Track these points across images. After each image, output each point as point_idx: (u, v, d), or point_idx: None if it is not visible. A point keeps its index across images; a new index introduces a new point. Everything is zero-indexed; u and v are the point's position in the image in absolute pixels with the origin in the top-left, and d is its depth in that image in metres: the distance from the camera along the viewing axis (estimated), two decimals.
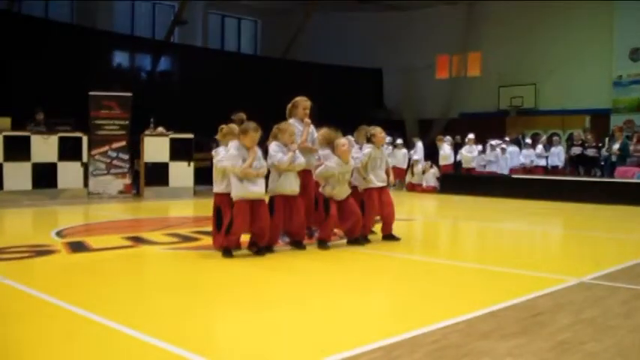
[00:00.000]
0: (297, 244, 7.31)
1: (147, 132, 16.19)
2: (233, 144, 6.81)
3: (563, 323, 4.24)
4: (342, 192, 7.52)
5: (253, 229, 6.78)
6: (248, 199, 6.67)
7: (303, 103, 7.76)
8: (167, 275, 6.24)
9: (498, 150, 19.50)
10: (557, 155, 20.42)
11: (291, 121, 7.61)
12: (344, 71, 27.01)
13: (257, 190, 6.72)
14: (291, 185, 7.14)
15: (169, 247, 7.60)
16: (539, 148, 20.64)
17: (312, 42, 27.66)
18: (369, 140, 8.21)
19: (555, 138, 21.51)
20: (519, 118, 25.32)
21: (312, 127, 7.77)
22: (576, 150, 19.82)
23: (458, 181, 18.64)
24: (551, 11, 24.20)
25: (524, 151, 20.55)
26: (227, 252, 6.72)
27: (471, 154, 19.48)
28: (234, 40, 30.30)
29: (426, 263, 6.86)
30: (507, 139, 20.91)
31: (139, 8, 27.18)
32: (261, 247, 6.87)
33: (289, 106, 7.83)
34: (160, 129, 16.31)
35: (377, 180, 8.03)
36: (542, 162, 20.48)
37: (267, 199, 7.01)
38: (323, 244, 7.45)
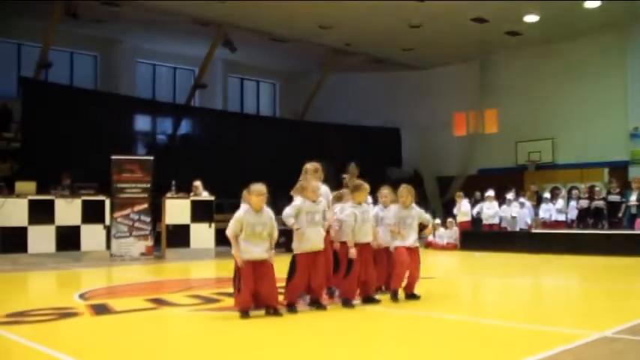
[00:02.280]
0: (317, 304, 7.32)
1: (168, 194, 16.43)
2: (243, 206, 6.95)
3: None
4: (366, 233, 7.65)
5: (258, 290, 6.80)
6: (250, 260, 6.75)
7: (311, 167, 7.89)
8: (189, 337, 6.29)
9: (515, 205, 19.50)
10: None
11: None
12: (362, 131, 27.30)
13: (257, 251, 6.78)
14: (316, 240, 7.20)
15: (191, 308, 7.65)
16: (560, 203, 20.56)
17: (329, 103, 28.08)
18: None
19: (575, 191, 21.43)
20: (538, 172, 25.33)
21: (325, 187, 7.83)
22: (583, 203, 19.82)
23: (478, 238, 18.59)
24: (566, 65, 24.47)
25: (544, 206, 20.48)
26: (244, 313, 6.76)
27: (490, 210, 19.45)
28: (253, 102, 30.84)
29: (446, 321, 6.84)
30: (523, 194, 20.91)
31: (160, 73, 27.86)
32: (274, 308, 6.85)
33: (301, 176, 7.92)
34: (196, 183, 16.68)
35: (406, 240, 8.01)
36: (562, 217, 20.34)
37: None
38: (347, 302, 7.47)
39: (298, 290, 7.27)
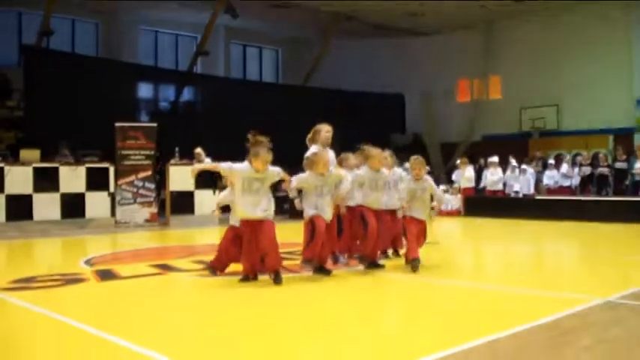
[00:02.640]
0: (323, 270, 7.34)
1: (172, 161, 16.43)
2: (239, 165, 6.79)
3: (587, 343, 4.26)
4: (378, 200, 7.72)
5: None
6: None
7: (325, 128, 7.84)
8: (194, 302, 6.34)
9: (517, 171, 19.50)
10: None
11: (314, 147, 7.67)
12: (365, 97, 27.20)
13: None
14: (325, 211, 7.13)
15: (196, 274, 7.70)
16: (565, 167, 20.53)
17: (333, 69, 27.95)
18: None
19: (579, 158, 21.39)
20: (542, 139, 25.27)
21: (332, 153, 7.78)
22: (586, 170, 19.82)
23: (481, 204, 18.60)
24: (570, 31, 24.28)
25: (548, 172, 20.49)
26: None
27: (494, 176, 19.44)
28: (256, 69, 30.68)
29: (449, 287, 6.88)
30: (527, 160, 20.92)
31: (162, 40, 27.69)
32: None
33: (310, 135, 7.91)
34: (198, 150, 16.64)
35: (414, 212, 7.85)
36: (567, 182, 20.37)
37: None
38: (366, 260, 7.54)
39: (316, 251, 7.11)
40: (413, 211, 7.79)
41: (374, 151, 7.81)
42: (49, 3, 20.72)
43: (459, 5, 23.71)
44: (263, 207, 6.66)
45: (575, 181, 20.40)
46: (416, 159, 7.86)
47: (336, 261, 7.92)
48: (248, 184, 6.63)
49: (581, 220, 15.00)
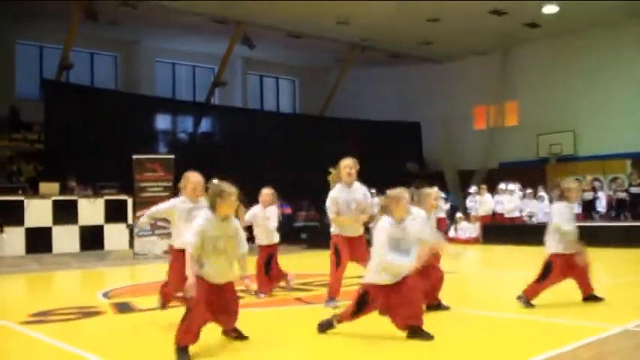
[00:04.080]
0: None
1: None
2: (203, 213, 5.39)
3: None
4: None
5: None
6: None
7: (343, 163, 7.44)
8: (211, 335, 6.32)
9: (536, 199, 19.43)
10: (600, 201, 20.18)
11: (337, 186, 7.41)
12: (382, 126, 27.25)
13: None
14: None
15: None
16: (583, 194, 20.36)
17: (349, 98, 28.08)
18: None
19: (597, 183, 21.22)
20: (559, 165, 25.11)
21: (362, 188, 7.50)
22: (587, 195, 19.72)
23: (500, 231, 18.48)
24: (585, 56, 24.22)
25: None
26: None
27: (512, 203, 19.34)
28: (273, 99, 30.90)
29: (468, 315, 6.83)
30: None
31: (180, 72, 28.03)
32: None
33: (335, 171, 7.47)
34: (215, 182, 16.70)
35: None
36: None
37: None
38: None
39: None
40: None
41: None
42: (68, 37, 21.09)
43: (474, 31, 23.79)
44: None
45: (602, 207, 20.09)
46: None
47: None
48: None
49: (600, 246, 14.70)
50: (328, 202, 7.33)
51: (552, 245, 7.16)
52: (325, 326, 5.79)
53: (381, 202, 5.82)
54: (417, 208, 6.51)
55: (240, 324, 5.55)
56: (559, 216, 7.12)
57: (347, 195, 7.32)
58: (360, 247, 7.34)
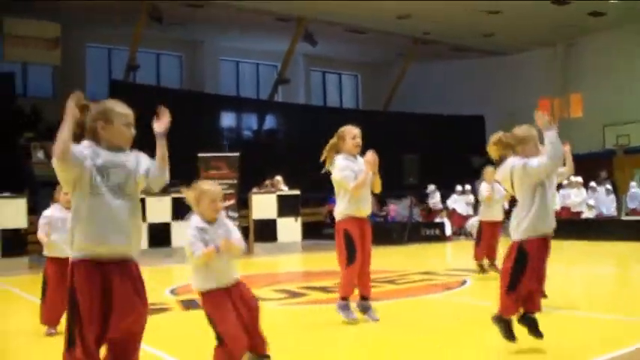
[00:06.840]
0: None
1: (254, 190, 16.63)
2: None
3: None
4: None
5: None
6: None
7: (351, 133, 6.48)
8: (276, 332, 6.31)
9: (600, 191, 18.76)
10: None
11: (340, 156, 6.35)
12: (445, 120, 26.88)
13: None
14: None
15: (278, 303, 7.69)
16: None
17: (412, 92, 27.79)
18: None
19: None
20: (627, 156, 24.23)
21: (360, 159, 6.41)
22: None
23: (564, 226, 17.85)
24: None
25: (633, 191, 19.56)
26: None
27: (578, 197, 18.68)
28: (336, 95, 30.85)
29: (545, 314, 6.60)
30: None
31: (244, 70, 28.28)
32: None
33: (333, 140, 6.56)
34: (278, 178, 16.79)
35: None
36: None
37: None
38: None
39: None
40: None
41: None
42: (134, 39, 21.54)
43: (537, 22, 23.20)
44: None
45: None
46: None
47: None
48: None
49: None
50: (343, 172, 6.10)
51: None
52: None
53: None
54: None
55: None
56: None
57: (354, 167, 6.22)
58: (369, 235, 6.23)
